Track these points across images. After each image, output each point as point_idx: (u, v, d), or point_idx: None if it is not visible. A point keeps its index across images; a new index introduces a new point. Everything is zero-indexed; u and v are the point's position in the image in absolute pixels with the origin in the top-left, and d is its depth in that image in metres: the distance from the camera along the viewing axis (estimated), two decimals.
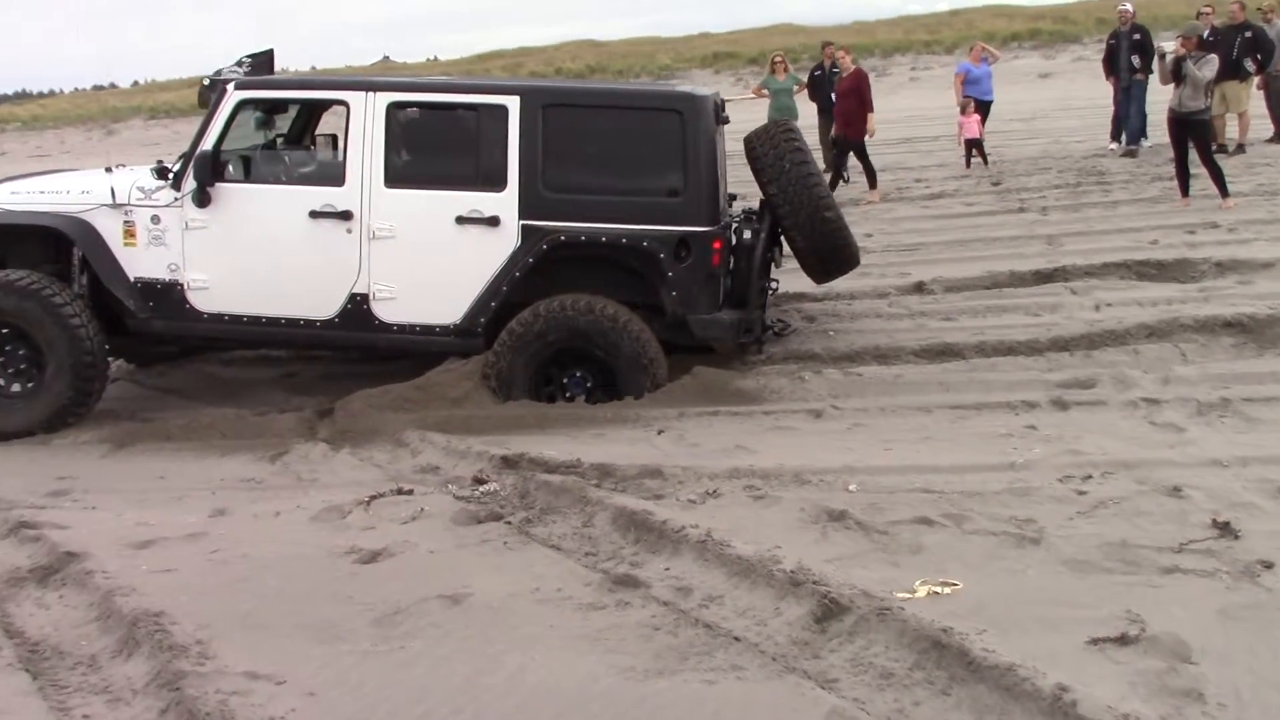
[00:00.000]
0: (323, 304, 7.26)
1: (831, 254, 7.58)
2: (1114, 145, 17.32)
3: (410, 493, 5.75)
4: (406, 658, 4.13)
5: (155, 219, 7.32)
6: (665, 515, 5.03)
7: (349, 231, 7.16)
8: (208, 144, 7.20)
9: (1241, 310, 7.36)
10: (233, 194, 7.26)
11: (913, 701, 3.60)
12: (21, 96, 61.71)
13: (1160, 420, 5.90)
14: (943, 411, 6.36)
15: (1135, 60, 16.40)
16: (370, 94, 7.15)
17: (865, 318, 8.52)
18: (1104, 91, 24.59)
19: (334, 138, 8.72)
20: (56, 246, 7.58)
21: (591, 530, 5.14)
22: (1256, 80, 16.12)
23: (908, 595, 4.25)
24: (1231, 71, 15.36)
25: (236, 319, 7.36)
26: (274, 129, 8.10)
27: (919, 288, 9.21)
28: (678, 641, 4.08)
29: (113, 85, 60.20)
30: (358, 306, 7.23)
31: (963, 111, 17.52)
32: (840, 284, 8.78)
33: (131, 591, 4.74)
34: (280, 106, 7.98)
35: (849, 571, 4.45)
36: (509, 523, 5.31)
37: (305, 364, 8.76)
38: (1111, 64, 16.84)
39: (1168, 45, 12.31)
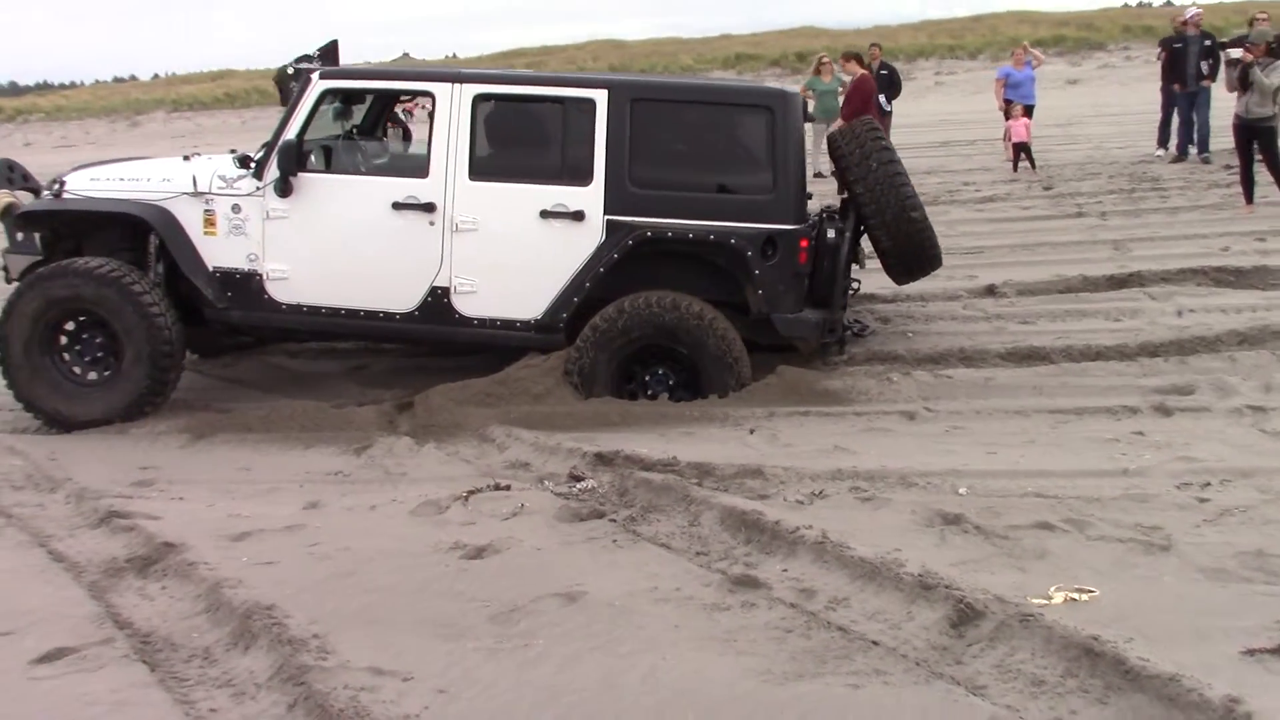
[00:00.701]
0: (403, 296, 7.20)
1: (916, 255, 7.49)
2: (1160, 151, 17.19)
3: (508, 488, 5.68)
4: (533, 656, 4.06)
5: (236, 208, 7.26)
6: (776, 515, 4.95)
7: (431, 224, 7.10)
8: (291, 133, 7.15)
9: None
10: (314, 184, 7.20)
11: (1069, 710, 3.51)
12: (43, 88, 61.92)
13: (1270, 429, 5.80)
14: (1041, 415, 6.26)
15: (1205, 66, 16.25)
16: (457, 85, 7.08)
17: (940, 320, 8.43)
18: (1138, 98, 24.47)
19: (404, 128, 8.68)
20: (133, 234, 7.53)
21: (699, 529, 5.06)
22: None
23: (1044, 601, 4.15)
24: None
25: (315, 310, 7.30)
26: (351, 119, 8.03)
27: (990, 291, 9.11)
28: (812, 644, 4.00)
29: (133, 78, 60.41)
30: (438, 300, 7.17)
31: (1009, 115, 17.43)
32: (910, 286, 8.69)
33: (238, 584, 4.68)
34: (358, 97, 7.93)
35: (976, 576, 4.36)
36: (613, 520, 5.24)
37: (374, 357, 8.71)
38: (1174, 69, 16.63)
39: (1234, 52, 12.19)
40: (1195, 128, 16.61)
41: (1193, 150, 16.53)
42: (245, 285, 7.31)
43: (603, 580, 4.62)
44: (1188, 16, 16.87)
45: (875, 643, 3.96)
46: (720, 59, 42.16)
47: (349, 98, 7.79)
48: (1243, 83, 11.66)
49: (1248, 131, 11.77)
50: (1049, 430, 6.06)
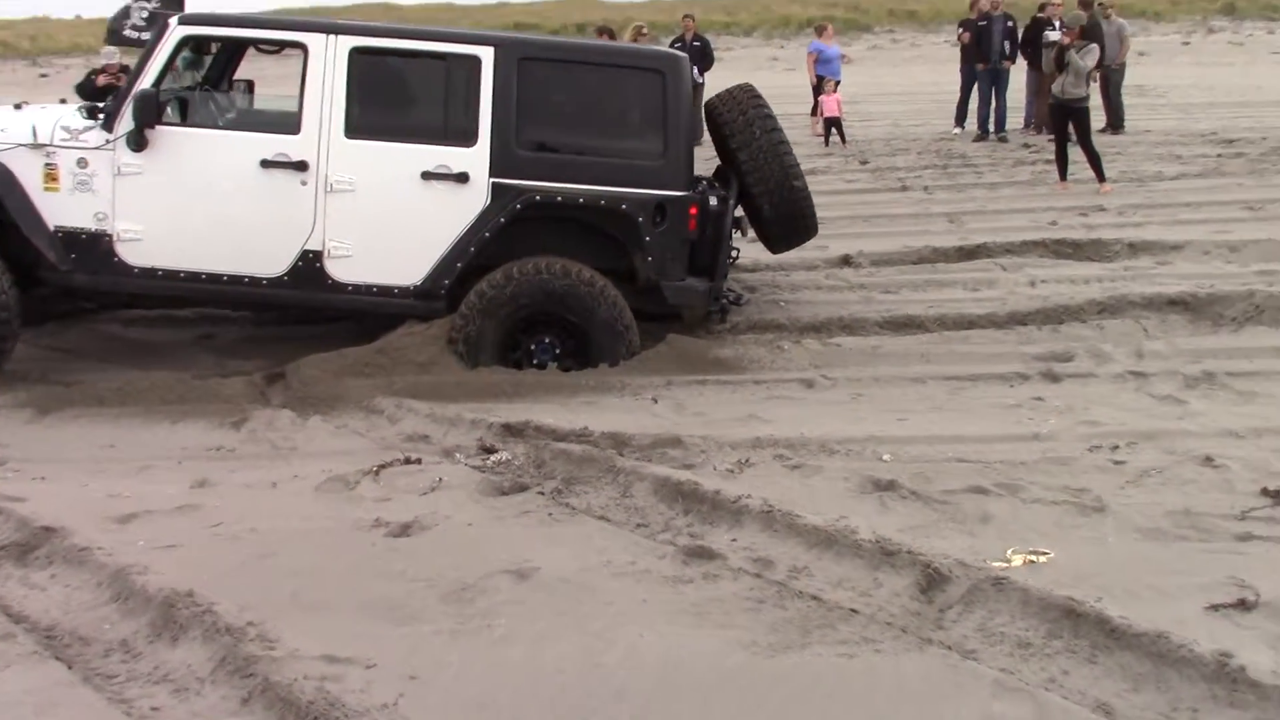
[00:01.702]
0: (271, 260, 6.76)
1: (798, 223, 7.52)
2: (958, 129, 17.87)
3: (419, 462, 5.40)
4: (499, 636, 3.85)
5: (82, 162, 6.66)
6: (712, 485, 4.86)
7: (303, 183, 6.69)
8: (146, 82, 6.59)
9: (1182, 289, 7.65)
10: (173, 138, 6.67)
11: (1061, 671, 3.55)
12: None
13: (1156, 393, 6.07)
14: (937, 382, 6.38)
15: (1006, 46, 16.94)
16: (332, 37, 6.67)
17: (806, 289, 8.51)
18: (913, 79, 25.52)
19: (250, 83, 8.18)
20: None
21: (633, 500, 4.92)
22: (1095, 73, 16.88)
23: (1004, 564, 4.21)
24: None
25: (172, 275, 6.78)
26: (201, 70, 7.49)
27: (846, 261, 9.25)
28: (790, 614, 3.94)
29: None
30: (310, 264, 6.77)
31: (819, 90, 17.79)
32: (764, 255, 8.74)
33: (145, 570, 4.28)
34: (208, 46, 7.39)
35: (930, 541, 4.38)
36: (541, 493, 5.05)
37: (220, 325, 8.17)
38: (978, 48, 17.25)
39: (1053, 35, 12.74)
40: (994, 106, 17.33)
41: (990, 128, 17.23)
42: (92, 247, 6.72)
43: (550, 555, 4.43)
44: None
45: (854, 610, 3.93)
46: (500, 27, 41.68)
47: (202, 46, 7.25)
48: (1059, 64, 12.19)
49: (1063, 111, 12.33)
50: (949, 397, 6.18)
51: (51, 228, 6.69)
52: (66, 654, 3.85)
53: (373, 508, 4.96)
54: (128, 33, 8.03)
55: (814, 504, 4.73)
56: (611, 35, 15.53)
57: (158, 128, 6.61)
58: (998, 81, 17.38)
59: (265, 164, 6.65)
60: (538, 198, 6.69)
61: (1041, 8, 18.45)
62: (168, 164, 6.65)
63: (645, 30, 17.62)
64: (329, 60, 6.65)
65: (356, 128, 6.69)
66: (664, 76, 6.81)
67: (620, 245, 6.95)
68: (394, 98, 6.96)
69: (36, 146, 6.64)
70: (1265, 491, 4.73)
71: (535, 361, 6.86)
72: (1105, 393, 6.12)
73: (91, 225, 6.69)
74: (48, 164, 6.66)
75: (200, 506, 5.03)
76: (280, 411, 6.21)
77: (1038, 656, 3.63)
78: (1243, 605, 3.84)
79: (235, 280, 6.79)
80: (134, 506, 5.01)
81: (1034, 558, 4.25)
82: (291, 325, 8.07)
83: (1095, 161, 12.17)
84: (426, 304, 6.84)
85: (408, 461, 5.40)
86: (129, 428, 6.14)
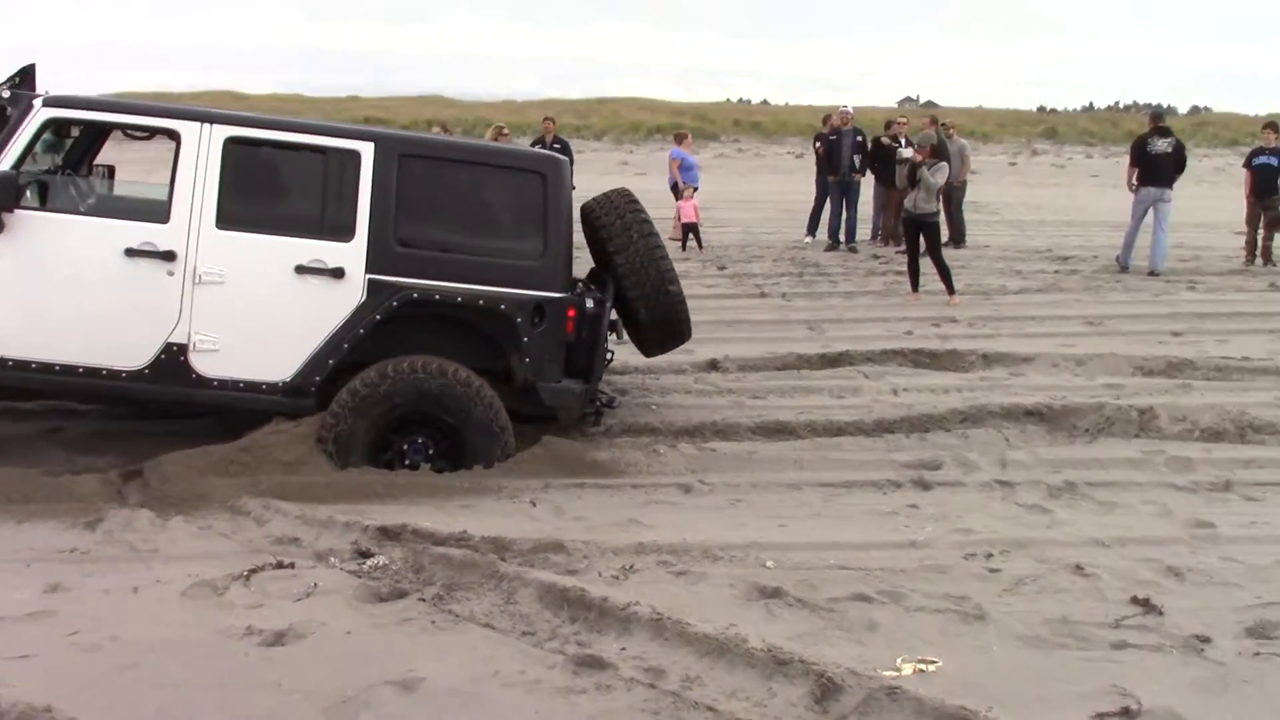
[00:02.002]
0: (132, 353, 6.49)
1: (673, 327, 7.56)
2: (809, 238, 18.41)
3: (292, 566, 5.19)
4: None
5: None
6: (599, 592, 4.79)
7: (170, 274, 6.47)
8: (6, 163, 6.32)
9: (1037, 400, 7.94)
10: (31, 223, 6.38)
11: None
12: None
13: (1023, 502, 6.23)
14: (812, 489, 6.44)
15: (856, 160, 17.60)
16: (207, 125, 6.51)
17: (676, 393, 8.56)
18: (760, 187, 26.42)
19: (111, 168, 7.94)
20: None
21: (517, 608, 4.80)
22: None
23: (895, 673, 4.23)
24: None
25: (22, 365, 6.44)
26: (60, 154, 7.23)
27: (714, 366, 9.36)
28: None
29: None
30: (173, 358, 6.52)
31: (679, 195, 18.17)
32: (634, 358, 8.79)
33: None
34: (67, 129, 7.14)
35: (819, 649, 4.39)
36: (422, 599, 4.89)
37: (68, 418, 7.78)
38: (829, 161, 17.86)
39: (906, 152, 13.27)
40: (845, 217, 17.93)
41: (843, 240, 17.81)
42: None
43: (435, 665, 4.29)
44: (842, 111, 18.29)
45: None
46: (350, 120, 41.62)
47: (63, 129, 7.00)
48: (911, 180, 12.69)
49: (915, 225, 12.81)
50: (825, 503, 6.24)
51: None
52: None
53: (244, 615, 4.73)
54: None
55: (701, 611, 4.70)
56: (446, 131, 15.62)
57: (16, 211, 6.33)
58: (848, 193, 18.02)
59: (130, 252, 6.42)
60: (415, 295, 6.60)
61: (887, 125, 19.34)
62: (24, 249, 6.36)
63: (505, 131, 17.79)
64: (202, 148, 6.49)
65: (229, 218, 6.52)
66: (545, 178, 6.84)
67: (496, 345, 6.89)
68: (269, 189, 6.81)
69: None
70: (1135, 600, 4.88)
71: (407, 462, 6.71)
72: (975, 501, 6.26)
73: None
74: None
75: (55, 613, 4.73)
76: (138, 511, 5.90)
77: None
78: (1126, 714, 3.93)
79: (92, 372, 6.49)
80: None
81: (923, 666, 4.28)
82: (148, 420, 7.74)
83: (945, 274, 12.64)
84: (295, 401, 6.64)
85: (279, 566, 5.18)
86: None
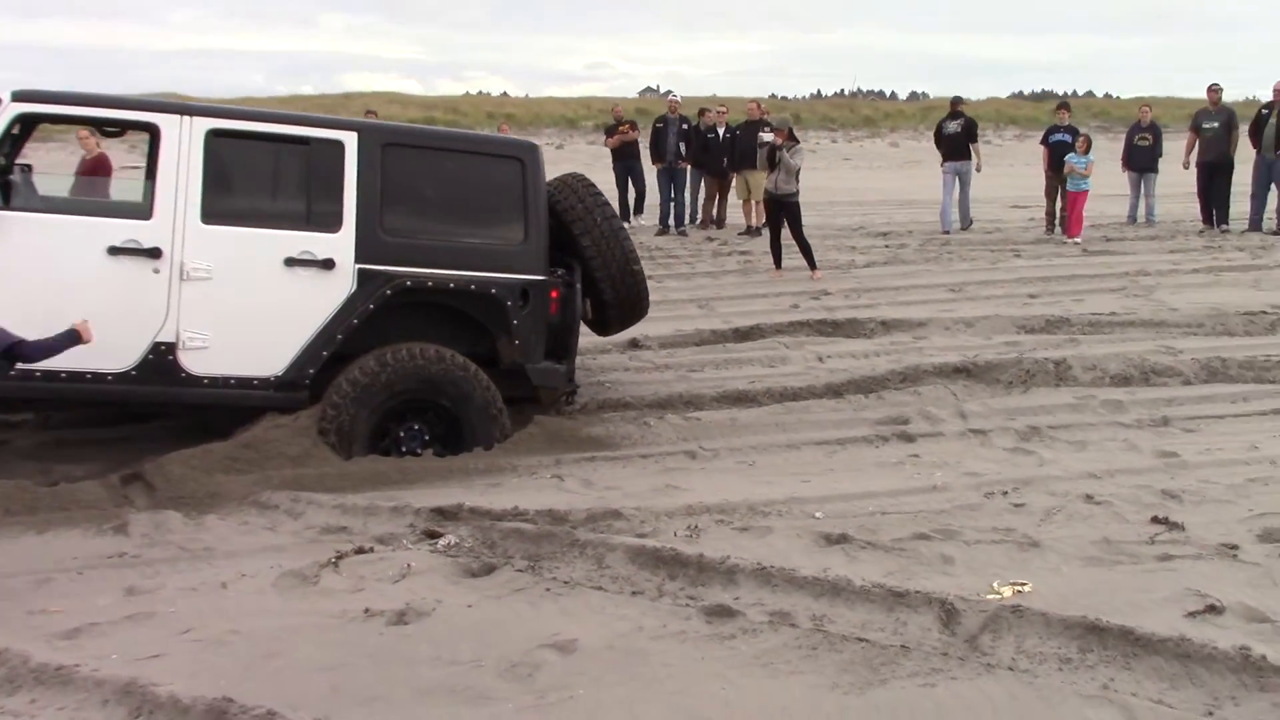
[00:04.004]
0: (118, 354, 6.28)
1: (635, 305, 7.79)
2: (631, 223, 18.85)
3: (372, 550, 5.21)
4: (588, 706, 3.86)
5: None
6: (691, 550, 5.03)
7: (156, 271, 6.29)
8: None
9: (958, 358, 8.57)
10: (9, 223, 6.09)
11: (1108, 678, 3.99)
12: None
13: (1003, 446, 6.79)
14: (810, 448, 6.82)
15: (681, 147, 18.11)
16: (186, 118, 6.35)
17: (617, 371, 8.79)
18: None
19: (29, 167, 7.59)
20: None
21: (611, 571, 4.99)
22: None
23: (996, 596, 4.65)
24: (751, 161, 17.30)
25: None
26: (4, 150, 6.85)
27: (635, 344, 9.62)
28: (848, 657, 4.17)
29: None
30: (161, 357, 6.35)
31: None
32: None
33: (154, 682, 3.94)
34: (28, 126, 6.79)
35: (918, 582, 4.75)
36: (519, 571, 5.01)
37: (7, 430, 7.40)
38: (656, 149, 18.34)
39: (766, 136, 13.83)
40: (674, 204, 18.46)
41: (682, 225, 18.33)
42: None
43: (576, 627, 4.44)
44: (669, 99, 18.81)
45: (904, 647, 4.22)
46: None
47: (34, 125, 6.66)
48: (771, 162, 13.26)
49: (777, 205, 13.39)
50: (830, 459, 6.64)
51: None
52: None
53: (351, 599, 4.76)
54: None
55: (791, 559, 5.00)
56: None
57: None
58: (675, 179, 18.55)
59: (114, 251, 6.21)
60: (409, 283, 6.63)
61: (701, 113, 19.92)
62: (3, 250, 6.06)
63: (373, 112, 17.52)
64: (183, 143, 6.33)
65: (213, 213, 6.39)
66: (523, 164, 6.97)
67: (481, 330, 6.98)
68: (253, 182, 6.69)
69: None
70: (1156, 519, 5.46)
71: (404, 449, 6.73)
72: (962, 448, 6.78)
73: None
74: None
75: (152, 614, 4.64)
76: (164, 513, 5.75)
77: (1080, 669, 4.06)
78: (1213, 610, 4.46)
79: (76, 376, 6.24)
80: (73, 621, 4.54)
81: (1019, 588, 4.71)
82: (96, 427, 7.47)
83: (807, 251, 13.27)
84: (289, 395, 6.57)
85: (360, 551, 5.20)
86: None
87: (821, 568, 4.87)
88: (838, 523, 5.50)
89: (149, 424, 7.54)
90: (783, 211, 13.37)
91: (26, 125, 6.49)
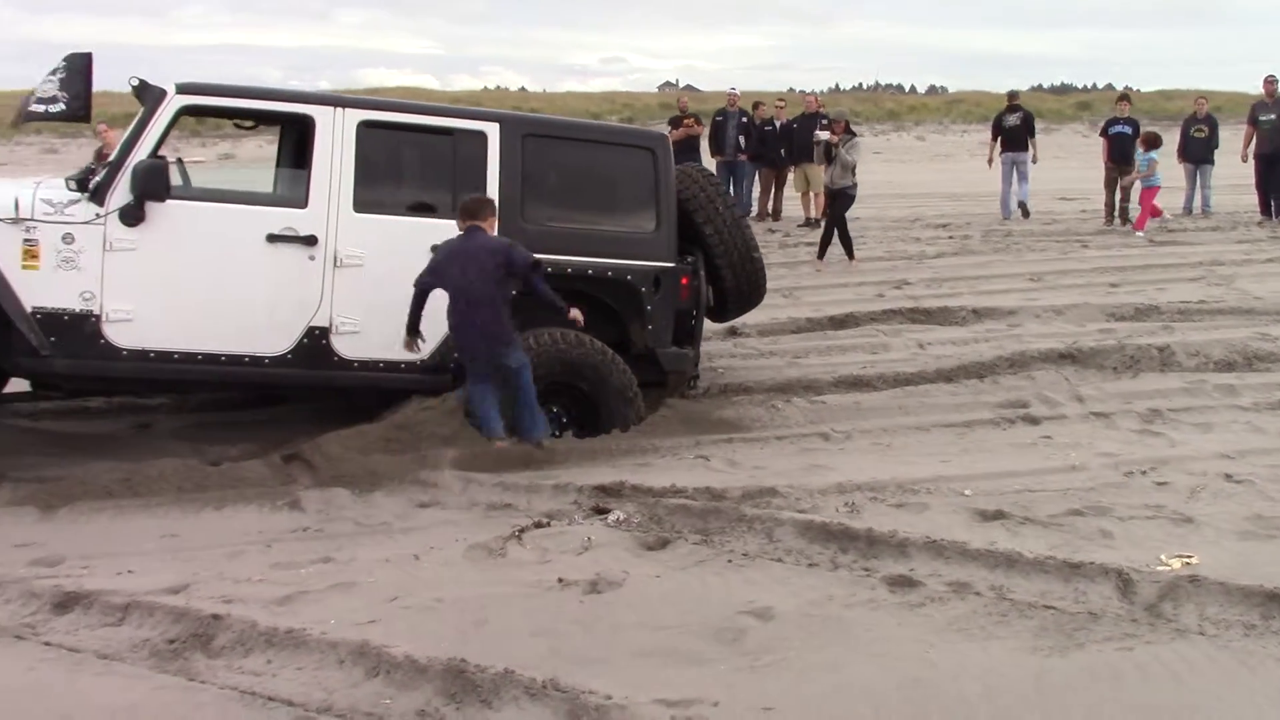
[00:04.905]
0: (275, 338, 6.52)
1: (754, 292, 7.99)
2: None
3: (549, 525, 5.42)
4: (803, 667, 4.05)
5: (67, 238, 6.18)
6: (860, 524, 5.22)
7: (311, 258, 6.52)
8: (142, 153, 6.24)
9: (1063, 344, 8.72)
10: (172, 212, 6.32)
11: None
12: None
13: (1129, 428, 6.96)
14: (940, 430, 7.00)
15: (741, 141, 18.29)
16: (339, 110, 6.58)
17: (726, 358, 8.98)
18: None
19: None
20: None
21: (783, 544, 5.18)
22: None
23: (1165, 568, 4.82)
24: (808, 154, 17.49)
25: (165, 356, 6.38)
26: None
27: (734, 332, 9.80)
28: (1039, 623, 4.34)
29: None
30: (315, 341, 6.58)
31: None
32: None
33: (385, 644, 4.14)
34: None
35: (1087, 554, 4.93)
36: (696, 544, 5.21)
37: (147, 414, 7.66)
38: (716, 142, 18.54)
39: (822, 135, 14.10)
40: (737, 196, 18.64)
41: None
42: (75, 329, 6.23)
43: (768, 596, 4.63)
44: (728, 92, 19.02)
45: (1093, 614, 4.40)
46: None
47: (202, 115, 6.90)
48: (828, 158, 13.58)
49: (832, 197, 13.67)
50: (961, 440, 6.82)
51: (29, 309, 6.15)
52: None
53: (540, 570, 4.96)
54: (34, 107, 7.44)
55: (953, 533, 5.19)
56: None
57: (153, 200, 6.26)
58: (735, 173, 18.73)
59: (272, 238, 6.44)
60: (548, 270, 6.83)
61: (756, 106, 20.08)
62: (165, 239, 6.30)
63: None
64: (336, 133, 6.55)
65: (365, 201, 6.61)
66: (654, 154, 7.17)
67: (613, 315, 7.18)
68: (401, 171, 6.93)
69: (15, 221, 6.11)
70: None
71: None
72: (1088, 430, 6.95)
73: (76, 305, 6.22)
74: (27, 240, 6.14)
75: (354, 583, 4.85)
76: (331, 491, 5.98)
77: (1267, 634, 4.23)
78: None
79: (235, 360, 6.49)
80: (283, 590, 4.76)
81: (1186, 560, 4.89)
82: (223, 411, 7.73)
83: (847, 239, 13.54)
84: (435, 378, 6.79)
85: (538, 525, 5.41)
86: (165, 516, 5.74)
87: (988, 541, 5.06)
88: (989, 500, 5.68)
89: (281, 407, 7.80)
90: (836, 200, 13.61)
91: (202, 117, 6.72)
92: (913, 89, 70.03)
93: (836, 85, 69.09)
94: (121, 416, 7.65)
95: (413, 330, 6.46)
